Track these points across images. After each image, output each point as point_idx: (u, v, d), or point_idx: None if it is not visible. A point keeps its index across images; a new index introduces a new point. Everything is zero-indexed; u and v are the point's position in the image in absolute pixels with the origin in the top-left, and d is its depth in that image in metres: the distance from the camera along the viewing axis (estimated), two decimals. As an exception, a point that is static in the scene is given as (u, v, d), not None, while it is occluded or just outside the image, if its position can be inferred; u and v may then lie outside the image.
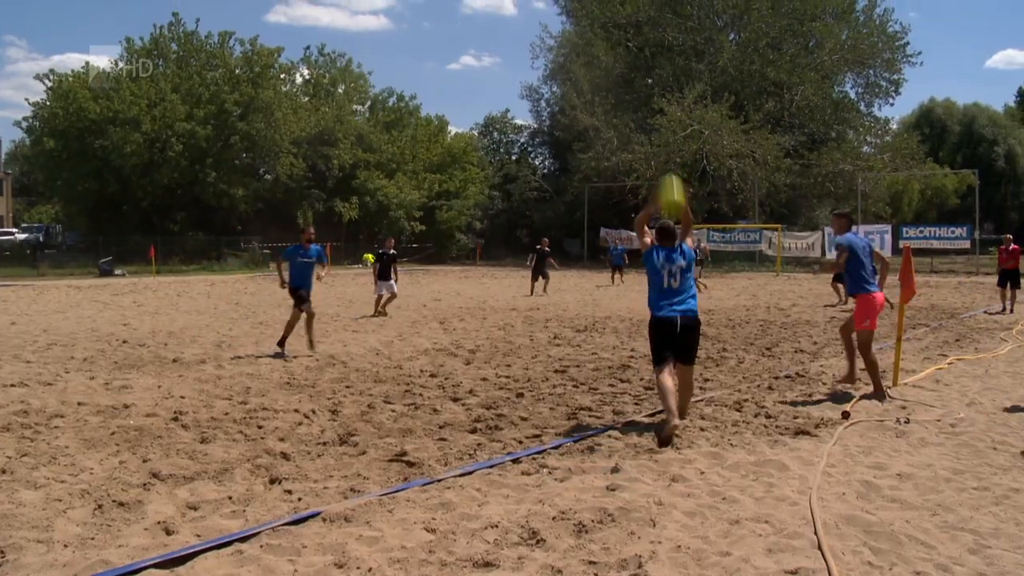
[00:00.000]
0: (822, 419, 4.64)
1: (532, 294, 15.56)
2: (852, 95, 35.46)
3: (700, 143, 30.11)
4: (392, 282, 11.49)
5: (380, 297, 11.47)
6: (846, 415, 4.73)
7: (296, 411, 4.88)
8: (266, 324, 10.35)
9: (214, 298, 15.39)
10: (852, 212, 33.43)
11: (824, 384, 5.80)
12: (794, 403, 5.13)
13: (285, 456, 3.88)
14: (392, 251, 11.68)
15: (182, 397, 5.32)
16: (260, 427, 4.48)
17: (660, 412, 4.76)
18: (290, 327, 7.33)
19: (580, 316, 11.45)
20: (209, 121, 30.34)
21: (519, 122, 49.00)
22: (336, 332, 9.47)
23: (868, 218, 33.07)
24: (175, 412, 4.79)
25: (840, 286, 13.57)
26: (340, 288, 18.95)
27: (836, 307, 13.02)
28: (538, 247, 16.18)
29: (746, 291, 17.40)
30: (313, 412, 4.85)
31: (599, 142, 32.88)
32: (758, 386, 5.74)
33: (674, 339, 4.34)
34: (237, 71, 31.73)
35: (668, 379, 4.31)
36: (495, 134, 49.25)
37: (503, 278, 24.38)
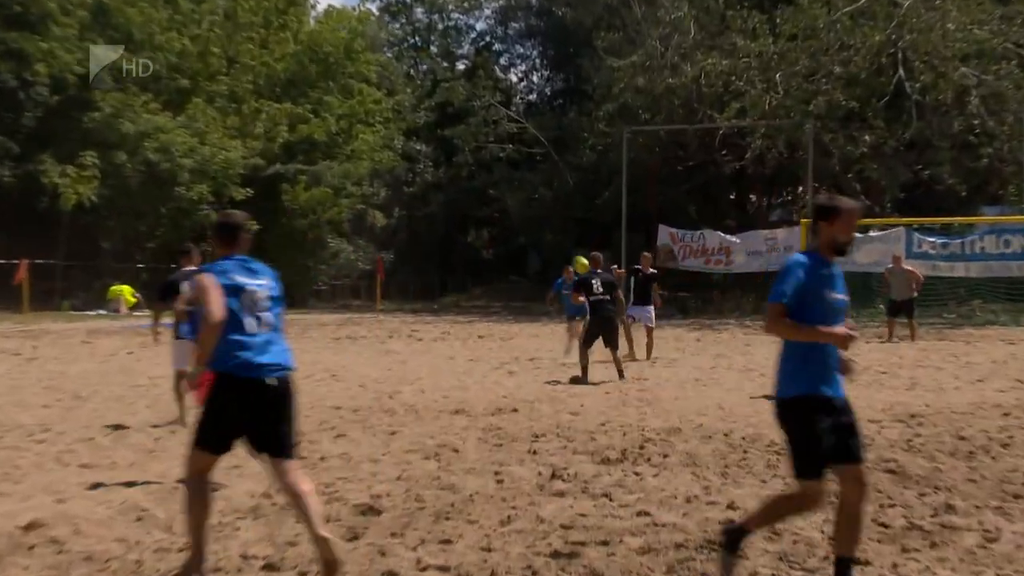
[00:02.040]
0: None
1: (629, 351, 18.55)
2: None
3: (888, 31, 31.07)
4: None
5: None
6: None
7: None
8: None
9: None
10: None
11: None
12: None
13: None
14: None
15: None
16: None
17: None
18: None
19: (612, 425, 11.51)
20: None
21: (472, -12, 50.15)
22: (48, 465, 9.34)
23: None
24: None
25: None
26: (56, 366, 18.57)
27: None
28: (638, 268, 19.35)
29: (1001, 370, 17.58)
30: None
31: (655, 32, 33.69)
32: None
33: (256, 413, 5.76)
34: None
35: (207, 488, 5.91)
36: (419, 14, 50.06)
37: (446, 339, 24.23)
